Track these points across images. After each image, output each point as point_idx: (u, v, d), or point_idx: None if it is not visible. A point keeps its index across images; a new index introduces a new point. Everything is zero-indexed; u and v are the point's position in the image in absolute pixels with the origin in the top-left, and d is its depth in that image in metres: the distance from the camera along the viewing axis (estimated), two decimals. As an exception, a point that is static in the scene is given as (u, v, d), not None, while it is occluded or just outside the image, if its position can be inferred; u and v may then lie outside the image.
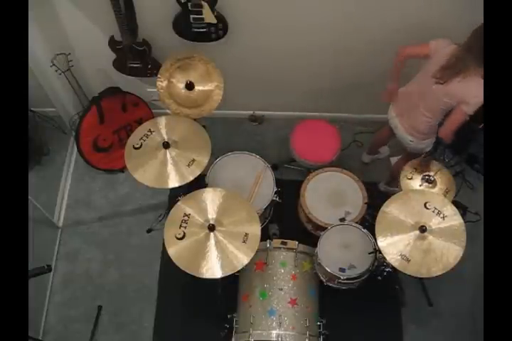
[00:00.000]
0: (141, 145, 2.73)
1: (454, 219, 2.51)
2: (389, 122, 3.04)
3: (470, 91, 2.47)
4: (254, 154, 3.14)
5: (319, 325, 2.75)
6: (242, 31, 2.96)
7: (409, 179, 2.96)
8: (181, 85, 2.89)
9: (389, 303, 3.20)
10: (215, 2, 2.69)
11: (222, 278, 2.44)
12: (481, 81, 2.42)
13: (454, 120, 2.61)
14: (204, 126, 2.90)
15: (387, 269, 2.74)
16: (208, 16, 2.76)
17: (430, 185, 2.92)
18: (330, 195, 3.09)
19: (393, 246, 2.45)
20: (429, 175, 2.92)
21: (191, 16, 2.77)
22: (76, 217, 3.57)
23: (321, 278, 2.84)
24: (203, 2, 2.67)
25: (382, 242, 2.46)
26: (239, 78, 3.25)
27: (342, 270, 2.74)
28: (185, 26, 2.85)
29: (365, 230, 2.84)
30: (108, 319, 3.22)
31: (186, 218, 2.52)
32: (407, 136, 2.89)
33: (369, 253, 2.75)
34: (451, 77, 2.51)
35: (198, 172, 2.66)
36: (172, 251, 2.45)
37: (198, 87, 2.90)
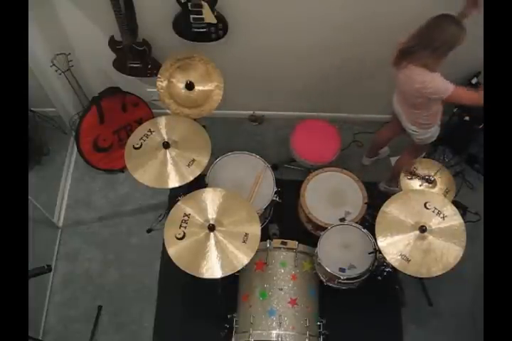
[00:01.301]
0: (141, 145, 2.73)
1: (454, 219, 2.51)
2: (395, 109, 3.03)
3: (413, 81, 2.55)
4: (254, 154, 3.14)
5: (319, 325, 2.75)
6: (242, 31, 2.96)
7: (409, 179, 2.97)
8: (181, 85, 2.89)
9: (389, 303, 3.19)
10: (215, 2, 2.69)
11: (222, 278, 2.44)
12: (421, 69, 2.50)
13: (459, 101, 2.65)
14: (204, 126, 2.90)
15: (387, 269, 2.74)
16: (208, 16, 2.76)
17: (430, 185, 2.93)
18: (330, 195, 3.09)
19: (393, 246, 2.45)
20: (429, 175, 2.93)
21: (191, 16, 2.77)
22: (76, 217, 3.57)
23: (321, 278, 2.84)
24: (203, 2, 2.67)
25: (382, 242, 2.46)
26: (239, 78, 3.25)
27: (342, 270, 2.74)
28: (185, 26, 2.85)
29: (365, 230, 2.84)
30: (108, 319, 3.22)
31: (186, 218, 2.52)
32: (411, 127, 2.89)
33: (369, 253, 2.75)
34: (400, 60, 2.58)
35: (198, 172, 2.66)
36: (172, 251, 2.45)
37: (198, 87, 2.90)
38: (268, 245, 2.81)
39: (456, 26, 2.37)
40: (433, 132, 2.92)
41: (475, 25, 2.38)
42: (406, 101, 2.79)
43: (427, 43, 2.44)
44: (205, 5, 2.69)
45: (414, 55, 2.52)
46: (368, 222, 3.09)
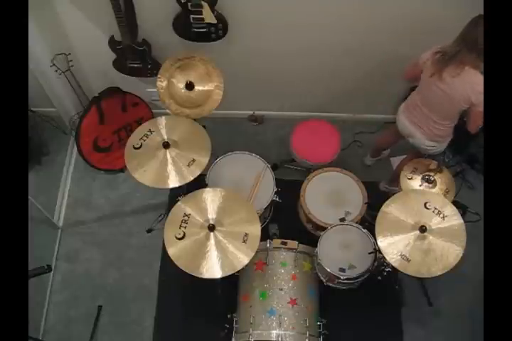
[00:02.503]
0: (141, 145, 2.73)
1: (454, 219, 2.51)
2: (400, 130, 2.98)
3: (470, 86, 2.45)
4: (254, 154, 3.14)
5: (319, 325, 2.75)
6: (242, 31, 2.96)
7: (409, 179, 2.97)
8: (181, 85, 2.89)
9: (389, 303, 3.19)
10: (215, 2, 2.70)
11: (222, 278, 2.44)
12: (477, 73, 2.42)
13: (476, 121, 2.60)
14: (204, 126, 2.90)
15: (387, 269, 2.74)
16: (208, 16, 2.76)
17: (430, 185, 2.93)
18: (330, 195, 3.09)
19: (393, 246, 2.45)
20: (429, 175, 2.93)
21: (191, 16, 2.77)
22: (76, 217, 3.57)
23: (321, 278, 2.84)
24: (203, 2, 2.67)
25: (382, 242, 2.46)
26: (239, 78, 3.25)
27: (342, 270, 2.74)
28: (185, 26, 2.85)
29: (365, 230, 2.84)
30: (108, 319, 3.22)
31: (186, 218, 2.52)
32: (430, 143, 2.86)
33: (369, 253, 2.75)
34: (444, 66, 2.48)
35: (198, 172, 2.66)
36: (172, 251, 2.45)
37: (198, 87, 2.90)
38: (268, 245, 2.81)
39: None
40: (444, 146, 2.93)
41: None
42: (436, 113, 2.69)
43: (471, 45, 2.35)
44: (205, 5, 2.69)
45: (459, 59, 2.42)
46: (368, 221, 3.08)
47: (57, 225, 3.49)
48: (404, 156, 3.30)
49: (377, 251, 2.70)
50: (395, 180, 3.32)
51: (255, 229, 2.48)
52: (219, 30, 2.86)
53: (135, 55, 3.07)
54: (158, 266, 3.34)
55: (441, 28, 2.65)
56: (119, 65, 3.19)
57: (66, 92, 3.45)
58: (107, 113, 3.44)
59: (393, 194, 2.62)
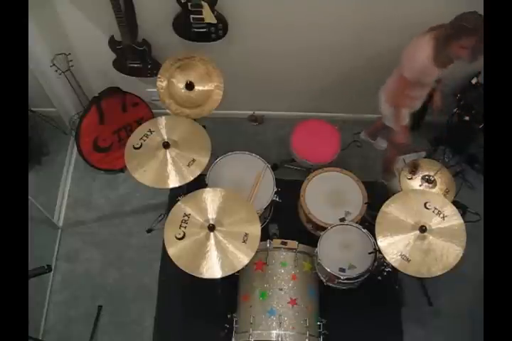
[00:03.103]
0: (141, 145, 2.73)
1: (454, 219, 2.51)
2: None
3: (414, 48, 2.58)
4: (254, 154, 3.14)
5: (319, 325, 2.75)
6: (242, 31, 2.96)
7: (409, 179, 2.97)
8: (181, 85, 2.89)
9: (389, 303, 3.19)
10: (215, 2, 2.70)
11: (222, 278, 2.44)
12: (430, 44, 2.50)
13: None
14: (204, 126, 2.90)
15: (387, 269, 2.74)
16: (208, 16, 2.76)
17: (430, 185, 2.93)
18: (330, 195, 3.09)
19: (393, 246, 2.45)
20: (429, 175, 2.93)
21: (191, 16, 2.77)
22: (76, 217, 3.57)
23: (321, 278, 2.84)
24: (203, 2, 2.67)
25: (382, 242, 2.46)
26: (239, 78, 3.25)
27: (342, 270, 2.74)
28: (185, 26, 2.85)
29: (365, 230, 2.84)
30: (108, 319, 3.22)
31: (186, 218, 2.52)
32: (381, 95, 3.00)
33: (369, 253, 2.75)
34: (428, 31, 2.61)
35: (198, 172, 2.66)
36: (172, 251, 2.45)
37: (198, 87, 2.90)
38: (268, 245, 2.81)
39: (476, 18, 2.33)
40: (387, 112, 3.03)
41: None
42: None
43: (454, 21, 2.44)
44: (205, 5, 2.69)
45: (435, 27, 2.55)
46: (368, 221, 3.09)
47: (57, 225, 3.49)
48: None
49: (377, 251, 2.70)
50: (385, 172, 3.35)
51: (255, 229, 2.49)
52: (219, 30, 2.87)
53: (135, 55, 3.07)
54: (158, 266, 3.34)
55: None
56: (119, 65, 3.19)
57: (66, 92, 3.45)
58: (107, 113, 3.44)
59: (393, 193, 2.62)
